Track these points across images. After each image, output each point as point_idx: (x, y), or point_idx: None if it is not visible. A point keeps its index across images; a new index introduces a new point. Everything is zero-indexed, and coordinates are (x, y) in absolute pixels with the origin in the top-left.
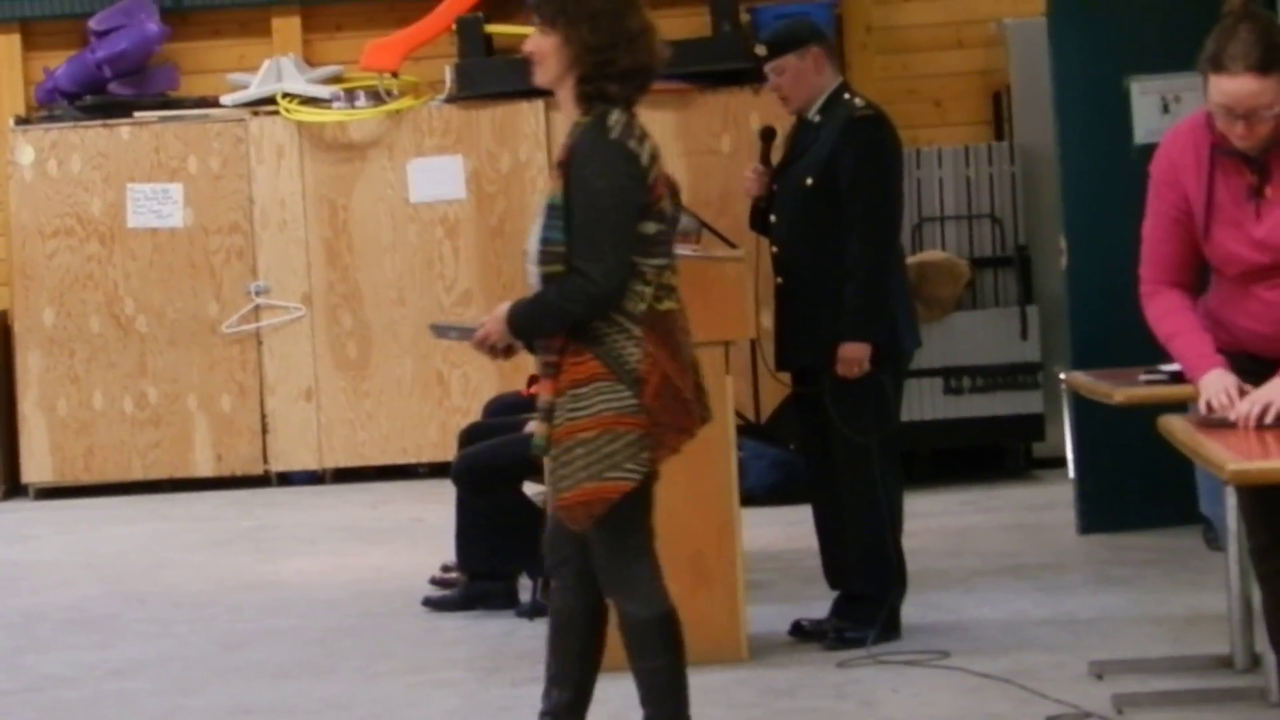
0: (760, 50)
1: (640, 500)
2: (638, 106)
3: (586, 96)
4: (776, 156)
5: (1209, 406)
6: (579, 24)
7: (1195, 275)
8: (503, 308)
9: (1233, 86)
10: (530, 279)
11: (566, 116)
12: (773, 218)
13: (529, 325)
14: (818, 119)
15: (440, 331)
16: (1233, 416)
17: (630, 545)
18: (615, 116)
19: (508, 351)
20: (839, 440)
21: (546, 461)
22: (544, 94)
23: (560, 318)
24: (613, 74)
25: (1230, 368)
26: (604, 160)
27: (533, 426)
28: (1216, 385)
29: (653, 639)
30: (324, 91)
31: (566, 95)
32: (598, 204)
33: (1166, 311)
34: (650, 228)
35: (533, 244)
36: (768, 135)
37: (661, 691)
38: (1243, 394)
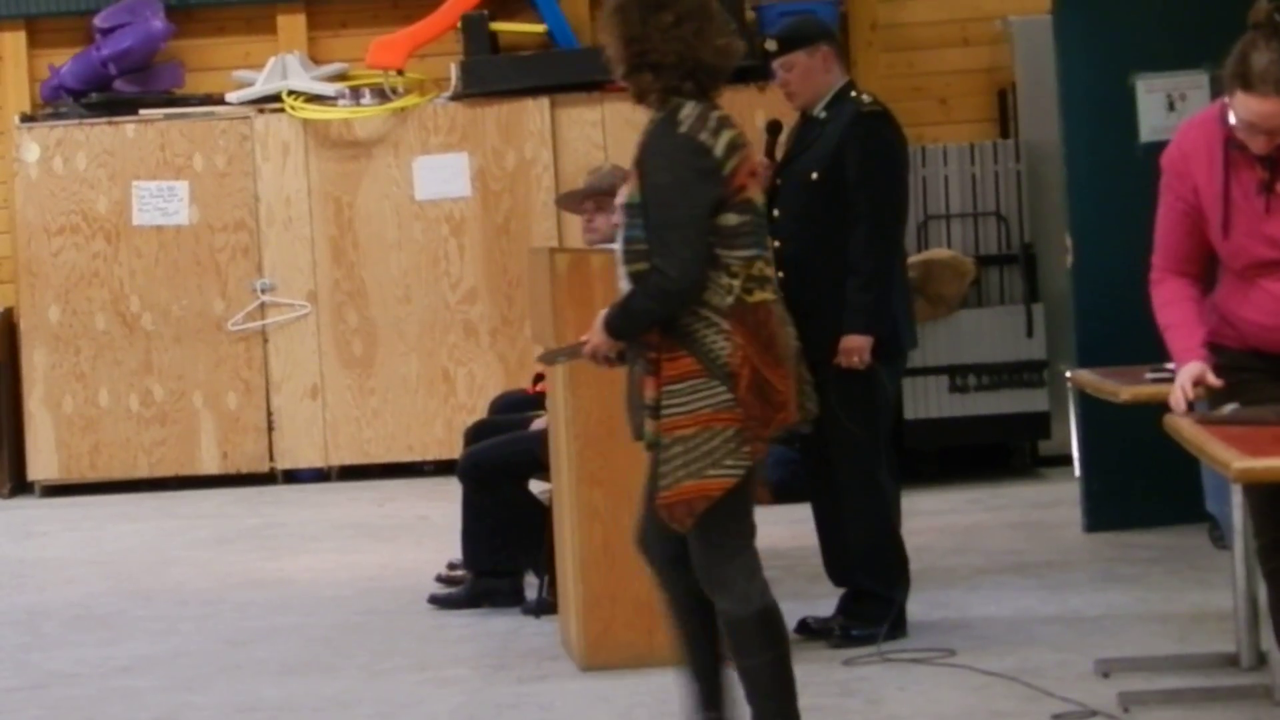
0: (770, 46)
1: (736, 498)
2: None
3: (661, 91)
4: (781, 152)
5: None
6: (614, 19)
7: (1204, 266)
8: (600, 316)
9: (1263, 108)
10: (619, 280)
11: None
12: (775, 212)
13: (621, 328)
14: (823, 115)
15: (550, 358)
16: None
17: (724, 543)
18: (687, 110)
19: (620, 358)
20: (839, 435)
21: (649, 458)
22: (550, 91)
23: (645, 316)
24: (655, 65)
25: (1217, 365)
26: (670, 156)
27: (539, 424)
28: (1180, 379)
29: (751, 636)
30: (329, 89)
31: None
32: (665, 200)
33: (1167, 301)
34: (731, 219)
35: (619, 244)
36: (774, 129)
37: (765, 689)
38: (1207, 388)
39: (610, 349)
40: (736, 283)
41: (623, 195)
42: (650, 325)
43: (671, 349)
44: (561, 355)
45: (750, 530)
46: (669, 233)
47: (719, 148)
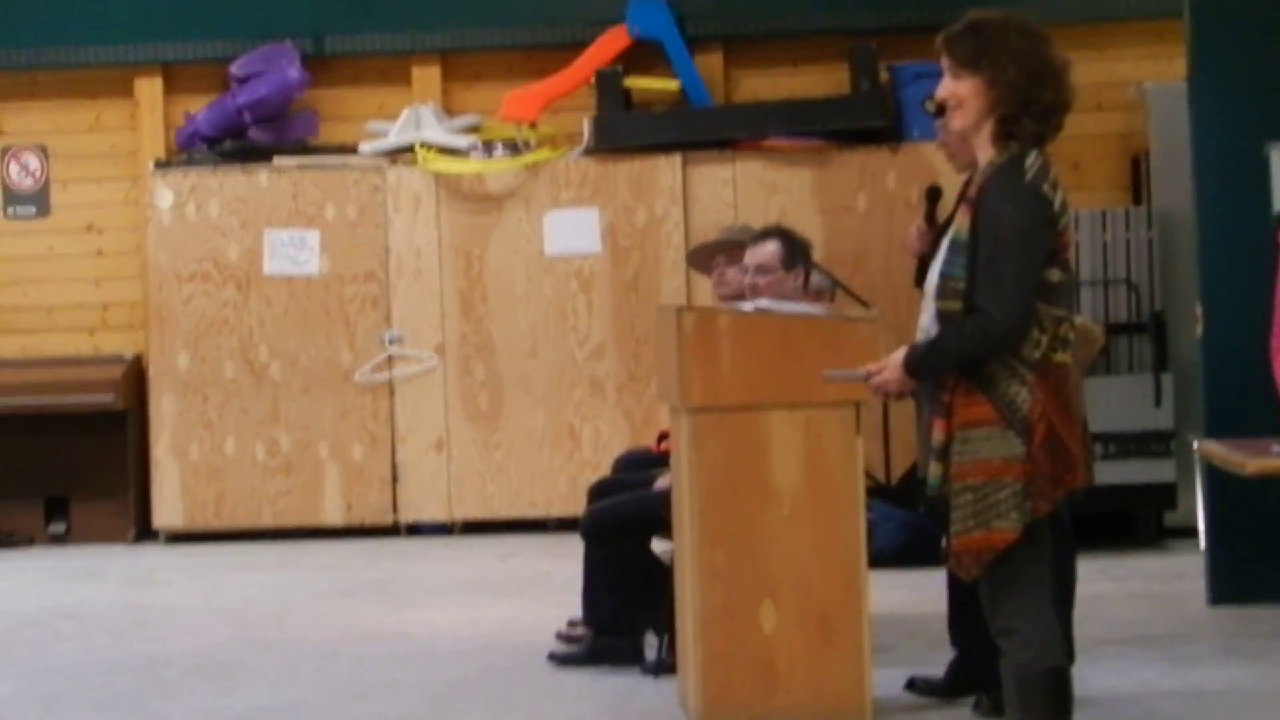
0: (929, 107)
1: (1024, 550)
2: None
3: (1005, 136)
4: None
5: None
6: (1005, 64)
7: None
8: (899, 354)
9: None
10: (924, 314)
11: (981, 158)
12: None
13: (928, 366)
14: None
15: (834, 378)
16: None
17: (1012, 594)
18: (1032, 158)
19: (901, 395)
20: None
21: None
22: (682, 147)
23: (957, 357)
24: (1036, 111)
25: None
26: (1016, 200)
27: (663, 482)
28: None
29: (1034, 691)
30: (462, 142)
31: (984, 136)
32: (1005, 243)
33: None
34: (1055, 275)
35: (933, 277)
36: (933, 195)
37: None
38: None
39: (902, 387)
40: (1045, 339)
41: (951, 231)
42: (958, 365)
43: (969, 393)
44: (844, 377)
45: (1040, 580)
46: (1003, 275)
47: (1056, 202)
